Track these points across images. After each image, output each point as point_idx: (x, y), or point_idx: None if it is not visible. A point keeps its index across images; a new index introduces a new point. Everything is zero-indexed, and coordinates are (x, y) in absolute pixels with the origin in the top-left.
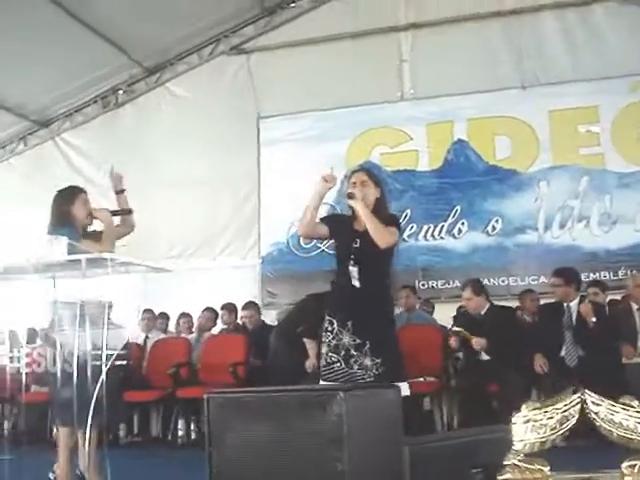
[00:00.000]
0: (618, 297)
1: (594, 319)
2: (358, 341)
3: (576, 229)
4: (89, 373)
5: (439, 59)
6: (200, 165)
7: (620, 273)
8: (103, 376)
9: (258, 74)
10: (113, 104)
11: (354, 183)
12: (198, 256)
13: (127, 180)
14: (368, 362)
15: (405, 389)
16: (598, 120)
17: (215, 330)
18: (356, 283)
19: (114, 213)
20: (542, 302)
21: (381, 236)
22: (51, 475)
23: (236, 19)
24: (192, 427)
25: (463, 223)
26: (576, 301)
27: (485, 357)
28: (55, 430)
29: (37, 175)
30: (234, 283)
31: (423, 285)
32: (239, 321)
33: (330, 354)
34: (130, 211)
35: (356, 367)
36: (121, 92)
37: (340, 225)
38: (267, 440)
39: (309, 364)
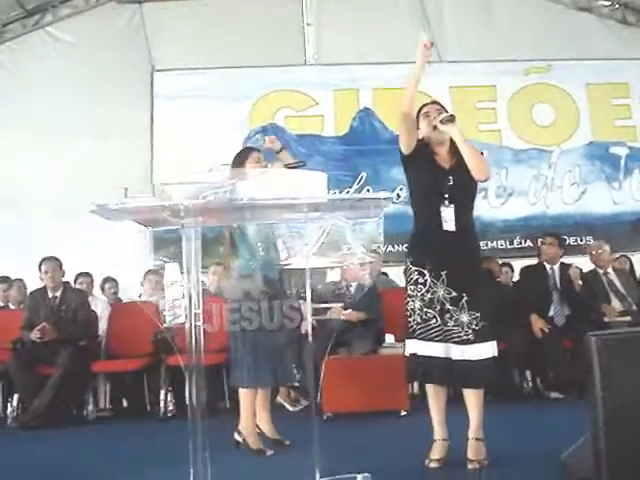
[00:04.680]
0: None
1: (580, 282)
2: (454, 294)
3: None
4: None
5: (345, 27)
6: (86, 118)
7: (515, 242)
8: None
9: (152, 25)
10: None
11: (426, 113)
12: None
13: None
14: (465, 318)
15: (495, 349)
16: (495, 99)
17: None
18: (451, 227)
19: (288, 167)
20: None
21: (482, 166)
22: (237, 436)
23: None
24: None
25: (368, 190)
26: (557, 265)
27: None
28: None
29: None
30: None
31: None
32: None
33: (425, 309)
34: (304, 163)
35: (451, 323)
36: None
37: (425, 158)
38: None
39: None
